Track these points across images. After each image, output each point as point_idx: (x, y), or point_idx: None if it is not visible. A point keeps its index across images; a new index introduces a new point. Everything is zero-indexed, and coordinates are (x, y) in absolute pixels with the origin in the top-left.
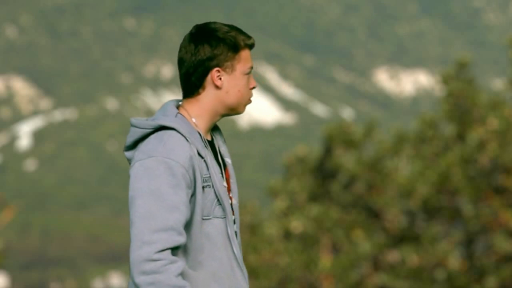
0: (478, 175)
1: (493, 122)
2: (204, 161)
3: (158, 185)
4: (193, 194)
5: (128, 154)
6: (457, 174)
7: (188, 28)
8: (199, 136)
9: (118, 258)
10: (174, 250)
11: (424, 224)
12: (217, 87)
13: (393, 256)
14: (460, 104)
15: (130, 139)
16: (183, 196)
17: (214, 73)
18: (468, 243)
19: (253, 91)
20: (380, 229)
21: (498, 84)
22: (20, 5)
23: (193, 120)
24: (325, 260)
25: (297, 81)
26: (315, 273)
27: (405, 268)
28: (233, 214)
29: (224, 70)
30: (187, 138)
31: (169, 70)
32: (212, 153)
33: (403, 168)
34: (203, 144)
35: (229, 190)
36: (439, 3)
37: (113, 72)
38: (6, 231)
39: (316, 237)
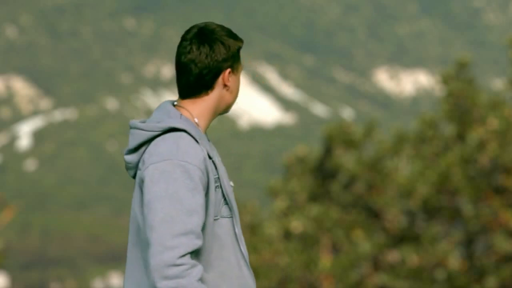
0: (478, 175)
1: (493, 122)
2: (213, 161)
3: (176, 189)
4: (207, 195)
5: (129, 157)
6: (457, 174)
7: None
8: (205, 136)
9: (118, 258)
10: (191, 253)
11: (424, 224)
12: (225, 86)
13: (393, 256)
14: (460, 104)
15: (134, 142)
16: (200, 199)
17: (227, 73)
18: (468, 243)
19: (253, 91)
20: (380, 229)
21: (498, 84)
22: (20, 5)
23: (195, 120)
24: (325, 260)
25: (297, 81)
26: (315, 273)
27: (405, 268)
28: None
29: (232, 70)
30: (197, 140)
31: (169, 70)
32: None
33: (403, 168)
34: (210, 144)
35: None
36: (439, 3)
37: (113, 72)
38: (6, 231)
39: (316, 237)
